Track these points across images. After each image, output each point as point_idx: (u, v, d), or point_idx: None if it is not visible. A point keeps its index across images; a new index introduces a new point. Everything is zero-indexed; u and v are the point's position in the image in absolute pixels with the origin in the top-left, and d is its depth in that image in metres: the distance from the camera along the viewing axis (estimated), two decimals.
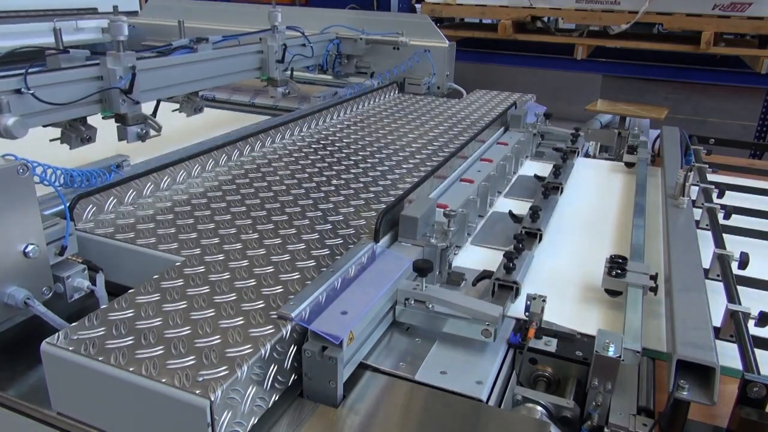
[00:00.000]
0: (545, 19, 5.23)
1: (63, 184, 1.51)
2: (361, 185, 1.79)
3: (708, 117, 5.05)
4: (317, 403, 1.08)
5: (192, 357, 0.96)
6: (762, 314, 1.27)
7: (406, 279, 1.31)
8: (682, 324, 1.18)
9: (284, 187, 1.74)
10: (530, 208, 1.75)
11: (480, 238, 1.79)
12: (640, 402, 1.12)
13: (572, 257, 1.70)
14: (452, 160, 1.99)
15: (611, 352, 1.08)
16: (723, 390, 1.04)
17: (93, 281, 1.26)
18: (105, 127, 1.93)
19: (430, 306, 1.26)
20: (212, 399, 0.87)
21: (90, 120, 1.89)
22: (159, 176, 1.68)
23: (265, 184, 1.76)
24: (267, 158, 2.00)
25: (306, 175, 1.85)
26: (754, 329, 1.26)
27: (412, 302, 1.28)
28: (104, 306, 1.10)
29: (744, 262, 1.54)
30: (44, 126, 1.73)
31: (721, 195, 2.08)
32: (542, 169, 2.38)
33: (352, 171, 1.91)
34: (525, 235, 1.67)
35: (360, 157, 2.05)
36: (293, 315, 1.08)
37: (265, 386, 1.00)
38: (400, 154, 2.10)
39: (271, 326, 1.05)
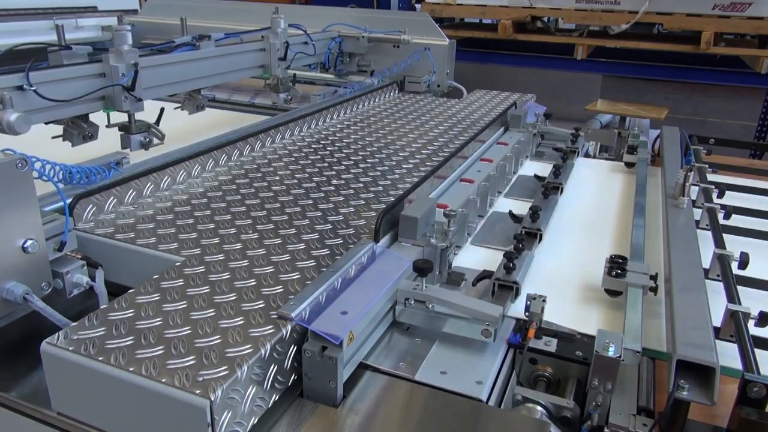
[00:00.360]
0: (545, 19, 5.23)
1: (62, 180, 1.51)
2: (361, 185, 1.79)
3: (708, 117, 5.05)
4: (317, 403, 1.08)
5: (192, 357, 0.96)
6: (762, 314, 1.28)
7: (406, 279, 1.31)
8: (682, 324, 1.18)
9: (284, 187, 1.74)
10: (530, 208, 1.75)
11: (480, 238, 1.79)
12: (640, 402, 1.13)
13: (572, 257, 1.70)
14: (452, 160, 1.99)
15: (611, 352, 1.08)
16: (723, 390, 1.04)
17: (92, 277, 1.26)
18: (106, 126, 1.93)
19: (430, 306, 1.26)
20: (212, 399, 0.87)
21: (92, 117, 1.88)
22: (159, 176, 1.68)
23: (265, 184, 1.76)
24: (267, 158, 2.00)
25: (306, 175, 1.85)
26: (754, 329, 1.26)
27: (412, 302, 1.28)
28: (104, 305, 1.10)
29: (744, 262, 1.54)
30: (46, 123, 1.72)
31: (721, 195, 2.08)
32: (542, 169, 2.38)
33: (352, 171, 1.91)
34: (525, 235, 1.67)
35: (360, 157, 2.05)
36: (293, 315, 1.08)
37: (265, 386, 1.00)
38: (400, 154, 2.10)
39: (271, 326, 1.05)
